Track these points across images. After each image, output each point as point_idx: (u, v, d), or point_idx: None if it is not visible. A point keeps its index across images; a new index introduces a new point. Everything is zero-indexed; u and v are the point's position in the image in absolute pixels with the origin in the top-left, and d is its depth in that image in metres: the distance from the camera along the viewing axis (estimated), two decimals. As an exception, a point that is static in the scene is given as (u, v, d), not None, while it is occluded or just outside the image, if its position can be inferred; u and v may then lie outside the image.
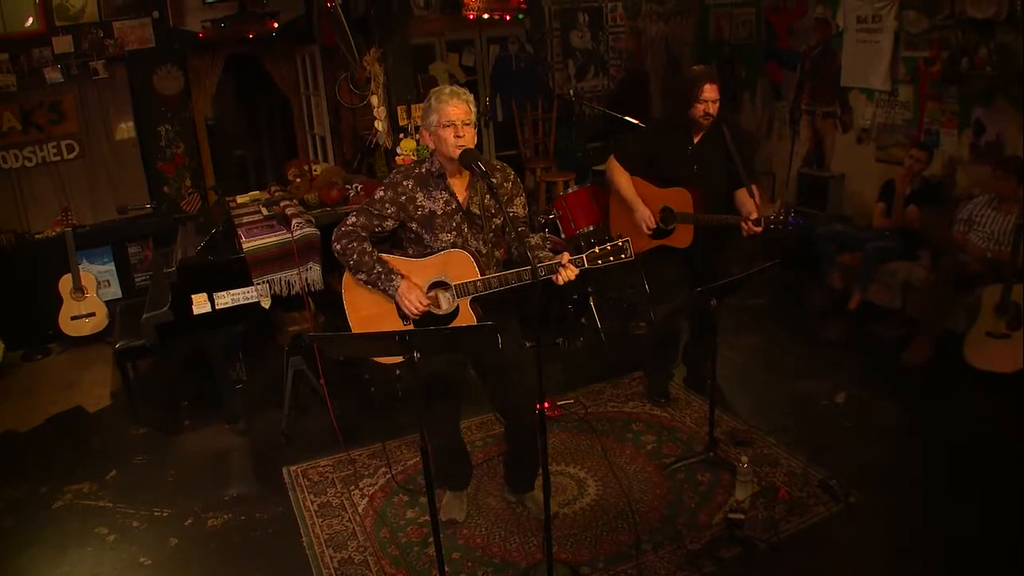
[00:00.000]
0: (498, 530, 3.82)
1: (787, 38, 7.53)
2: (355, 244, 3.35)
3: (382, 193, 3.40)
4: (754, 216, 4.23)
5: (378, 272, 3.31)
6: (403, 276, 3.32)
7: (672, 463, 4.23)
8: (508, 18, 6.12)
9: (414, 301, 3.27)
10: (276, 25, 6.84)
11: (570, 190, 6.02)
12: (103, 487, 4.42)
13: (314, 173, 6.04)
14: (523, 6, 5.77)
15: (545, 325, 5.72)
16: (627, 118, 5.86)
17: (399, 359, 3.31)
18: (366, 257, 3.33)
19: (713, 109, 4.30)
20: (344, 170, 6.63)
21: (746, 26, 8.01)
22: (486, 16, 5.83)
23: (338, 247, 3.38)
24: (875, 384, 4.98)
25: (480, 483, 4.18)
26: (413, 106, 5.44)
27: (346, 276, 3.47)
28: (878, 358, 5.36)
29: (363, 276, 3.34)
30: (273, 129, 9.71)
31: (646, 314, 5.04)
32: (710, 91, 4.27)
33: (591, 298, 5.79)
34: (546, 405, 4.71)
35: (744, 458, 3.84)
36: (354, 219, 3.40)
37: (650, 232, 4.48)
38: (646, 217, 4.45)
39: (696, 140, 4.45)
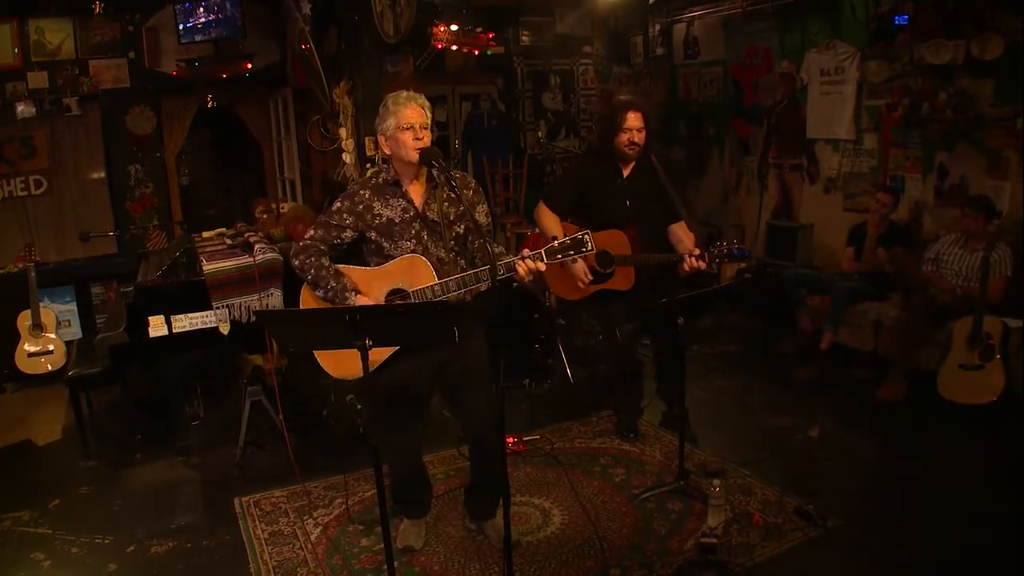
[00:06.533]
0: (457, 557, 3.55)
1: (753, 94, 7.53)
2: (313, 259, 3.23)
3: (339, 204, 3.30)
4: (696, 252, 4.01)
5: (334, 288, 3.18)
6: (358, 293, 3.18)
7: (641, 493, 3.99)
8: (476, 52, 6.05)
9: None
10: (250, 66, 6.74)
11: (537, 231, 5.86)
12: (44, 515, 4.11)
13: (281, 210, 5.87)
14: (492, 43, 5.71)
15: (512, 366, 5.50)
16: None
17: (357, 374, 3.12)
18: (323, 272, 3.21)
19: (638, 138, 4.17)
20: (313, 210, 6.45)
21: (713, 84, 8.03)
22: (454, 48, 5.74)
23: (296, 262, 3.28)
24: (849, 419, 4.82)
25: (440, 513, 3.91)
26: (381, 137, 5.29)
27: (303, 291, 3.35)
28: (852, 395, 5.22)
29: (320, 293, 3.23)
30: (244, 175, 9.59)
31: (612, 342, 4.81)
32: (633, 119, 4.15)
33: (558, 339, 5.60)
34: (511, 440, 4.52)
35: (716, 482, 3.63)
36: (312, 232, 3.30)
37: (585, 284, 4.26)
38: (579, 275, 4.21)
39: (626, 173, 4.30)
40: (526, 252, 3.05)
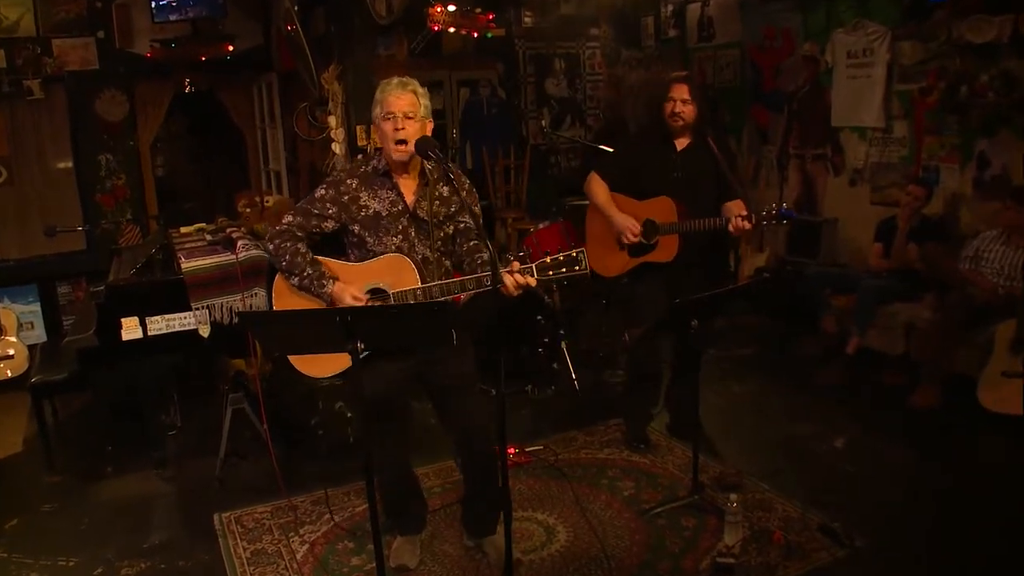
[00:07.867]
0: (454, 578, 3.54)
1: (773, 79, 7.51)
2: (289, 244, 3.22)
3: (323, 191, 3.28)
4: (743, 213, 4.13)
5: (309, 275, 3.18)
6: (336, 280, 3.18)
7: (652, 508, 3.98)
8: (475, 35, 6.07)
9: (349, 302, 3.11)
10: (231, 48, 6.73)
11: (541, 226, 5.86)
12: (0, 536, 4.07)
13: (266, 204, 5.85)
14: (492, 25, 5.72)
15: (513, 371, 5.49)
16: (604, 147, 5.74)
17: (337, 369, 3.12)
18: (299, 258, 3.20)
19: (681, 109, 4.32)
20: (299, 204, 6.46)
21: (730, 68, 8.01)
22: (452, 30, 5.76)
23: (271, 247, 3.26)
24: (878, 427, 4.81)
25: (437, 530, 3.90)
26: (372, 126, 5.29)
27: (277, 281, 3.34)
28: (880, 401, 5.21)
29: (295, 280, 3.22)
30: (225, 166, 9.58)
31: (620, 347, 4.82)
32: (678, 90, 4.32)
33: (563, 343, 5.58)
34: (512, 451, 4.50)
35: (733, 496, 3.61)
36: (290, 218, 3.28)
37: (633, 243, 4.37)
38: (628, 226, 4.36)
39: (680, 148, 4.43)
40: (517, 266, 3.06)
